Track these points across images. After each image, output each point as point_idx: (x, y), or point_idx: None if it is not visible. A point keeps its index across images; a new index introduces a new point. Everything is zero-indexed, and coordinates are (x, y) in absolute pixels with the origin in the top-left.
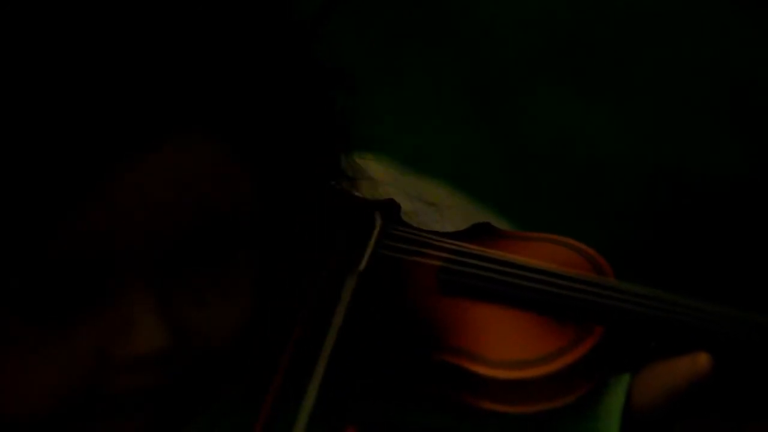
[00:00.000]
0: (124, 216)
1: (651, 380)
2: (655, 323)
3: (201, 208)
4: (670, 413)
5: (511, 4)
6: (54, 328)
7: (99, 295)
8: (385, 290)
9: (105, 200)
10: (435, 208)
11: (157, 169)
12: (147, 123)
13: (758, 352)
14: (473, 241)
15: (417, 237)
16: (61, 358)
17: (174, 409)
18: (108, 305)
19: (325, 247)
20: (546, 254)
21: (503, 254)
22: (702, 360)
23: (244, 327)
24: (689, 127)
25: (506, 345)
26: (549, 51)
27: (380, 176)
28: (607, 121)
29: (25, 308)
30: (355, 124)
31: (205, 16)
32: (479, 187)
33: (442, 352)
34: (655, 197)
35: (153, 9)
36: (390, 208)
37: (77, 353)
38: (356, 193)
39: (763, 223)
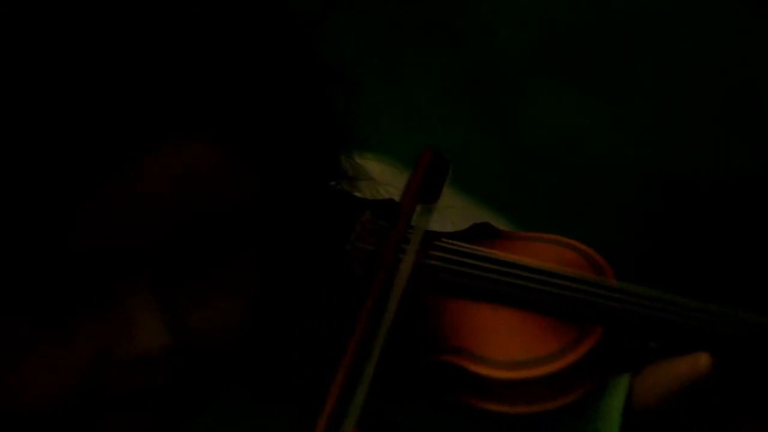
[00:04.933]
0: (124, 216)
1: (651, 380)
2: (655, 323)
3: (201, 209)
4: (671, 413)
5: (511, 4)
6: (55, 329)
7: (100, 295)
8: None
9: (105, 201)
10: (435, 208)
11: (157, 170)
12: (146, 124)
13: (758, 352)
14: (473, 242)
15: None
16: (62, 359)
17: (175, 409)
18: (109, 305)
19: (325, 247)
20: (546, 254)
21: (503, 254)
22: (702, 360)
23: (245, 327)
24: (689, 127)
25: (507, 345)
26: (549, 51)
27: (380, 176)
28: (607, 121)
29: (27, 309)
30: (355, 124)
31: (203, 17)
32: (479, 187)
33: (442, 352)
34: (655, 197)
35: (152, 10)
36: (391, 208)
37: (78, 353)
38: (356, 193)
39: (763, 223)
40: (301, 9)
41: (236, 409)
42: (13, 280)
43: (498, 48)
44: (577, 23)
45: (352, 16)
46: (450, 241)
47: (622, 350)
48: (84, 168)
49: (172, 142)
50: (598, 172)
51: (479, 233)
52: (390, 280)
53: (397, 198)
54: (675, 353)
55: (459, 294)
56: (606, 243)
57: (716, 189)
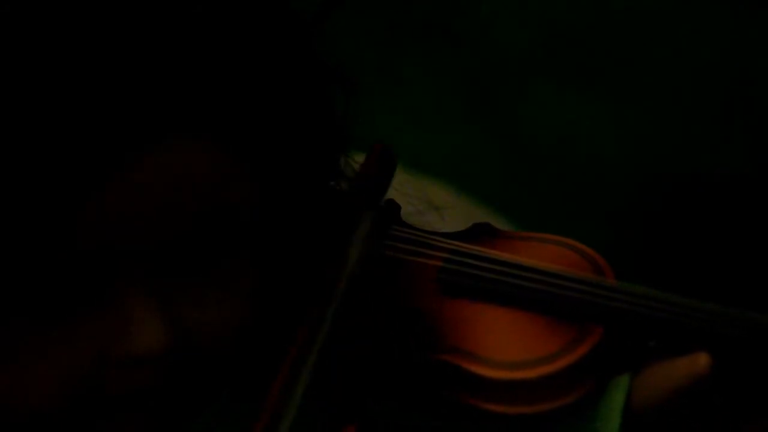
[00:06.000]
0: (125, 216)
1: (651, 380)
2: (655, 323)
3: (201, 209)
4: (671, 413)
5: (511, 4)
6: (55, 329)
7: (100, 295)
8: (385, 290)
9: (105, 201)
10: (435, 208)
11: (157, 170)
12: (147, 124)
13: (758, 352)
14: (473, 242)
15: (417, 237)
16: (62, 359)
17: (174, 409)
18: (109, 305)
19: (323, 246)
20: (546, 254)
21: (503, 254)
22: (702, 360)
23: (245, 327)
24: (688, 127)
25: (506, 345)
26: (548, 51)
27: None
28: (607, 120)
29: (28, 309)
30: (355, 124)
31: (203, 18)
32: (479, 187)
33: (442, 352)
34: (655, 197)
35: (151, 10)
36: (390, 208)
37: (78, 353)
38: None
39: (763, 222)
40: (301, 9)
41: (236, 409)
42: (13, 280)
43: (498, 48)
44: (577, 23)
45: (352, 16)
46: (449, 240)
47: (621, 350)
48: (84, 168)
49: (172, 142)
50: (597, 172)
51: (479, 233)
52: (338, 271)
53: (396, 198)
54: (675, 353)
55: (459, 294)
56: (606, 243)
57: (716, 189)
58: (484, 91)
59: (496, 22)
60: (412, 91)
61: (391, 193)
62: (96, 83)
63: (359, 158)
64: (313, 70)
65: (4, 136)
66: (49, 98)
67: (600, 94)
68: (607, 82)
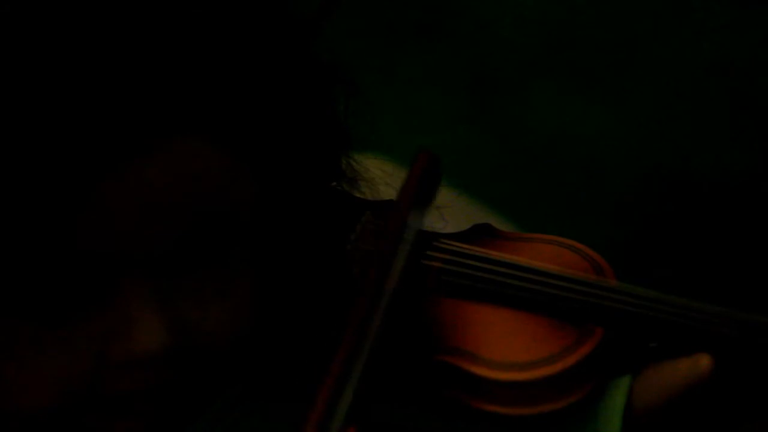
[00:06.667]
0: (124, 217)
1: (652, 381)
2: (656, 324)
3: (200, 209)
4: (672, 414)
5: (510, 4)
6: (55, 329)
7: (99, 295)
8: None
9: (105, 201)
10: (436, 206)
11: (156, 171)
12: (146, 125)
13: (758, 352)
14: (474, 242)
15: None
16: (61, 359)
17: (174, 410)
18: (108, 305)
19: (325, 247)
20: (547, 255)
21: (504, 255)
22: (703, 361)
23: (245, 326)
24: (689, 127)
25: (507, 346)
26: (548, 51)
27: (380, 176)
28: (607, 120)
29: (27, 309)
30: (355, 124)
31: (203, 18)
32: (479, 187)
33: (442, 353)
34: (655, 197)
35: (151, 11)
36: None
37: (78, 353)
38: (356, 194)
39: (763, 223)
40: (301, 9)
41: (236, 409)
42: (13, 280)
43: (498, 48)
44: (576, 23)
45: (352, 16)
46: (450, 242)
47: (622, 351)
48: (84, 168)
49: (173, 142)
50: (598, 172)
51: (479, 234)
52: (382, 280)
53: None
54: (675, 354)
55: (460, 295)
56: (606, 243)
57: (716, 189)
58: (484, 91)
59: (496, 22)
60: (412, 91)
61: (391, 193)
62: (97, 83)
63: (360, 158)
64: (313, 71)
65: (5, 136)
66: (50, 98)
67: (600, 94)
68: (607, 82)
